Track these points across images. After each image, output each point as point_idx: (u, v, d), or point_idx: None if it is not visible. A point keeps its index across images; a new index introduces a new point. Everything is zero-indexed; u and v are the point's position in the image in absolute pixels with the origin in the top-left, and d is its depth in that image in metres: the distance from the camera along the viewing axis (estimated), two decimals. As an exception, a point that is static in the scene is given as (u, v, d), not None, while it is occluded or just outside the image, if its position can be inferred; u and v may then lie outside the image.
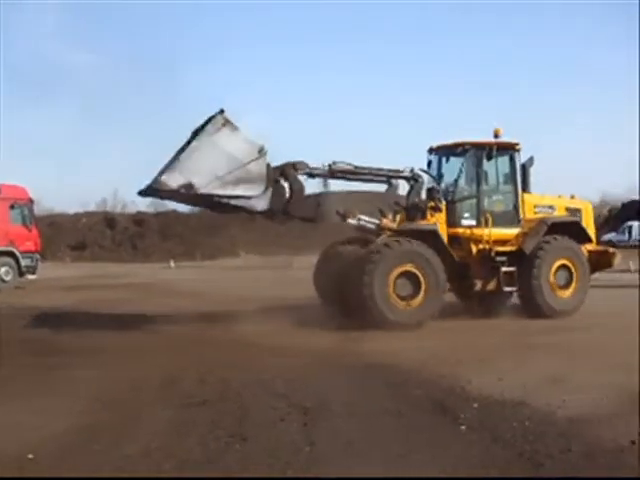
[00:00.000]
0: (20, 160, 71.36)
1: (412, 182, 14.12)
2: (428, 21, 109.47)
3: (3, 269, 24.36)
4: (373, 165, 13.99)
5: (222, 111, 11.58)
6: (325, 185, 13.71)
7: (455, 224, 14.32)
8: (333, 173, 13.46)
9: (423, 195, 14.26)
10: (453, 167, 15.23)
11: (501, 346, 11.13)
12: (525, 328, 12.83)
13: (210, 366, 9.43)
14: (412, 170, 14.16)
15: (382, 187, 14.38)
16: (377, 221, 13.52)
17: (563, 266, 14.63)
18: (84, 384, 8.47)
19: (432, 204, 14.10)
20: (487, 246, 14.20)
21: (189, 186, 11.20)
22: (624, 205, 64.74)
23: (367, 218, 13.46)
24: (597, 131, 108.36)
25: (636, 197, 68.31)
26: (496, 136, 14.71)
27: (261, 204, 12.13)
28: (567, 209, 15.78)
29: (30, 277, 25.11)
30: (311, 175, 13.25)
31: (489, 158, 14.53)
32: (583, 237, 15.39)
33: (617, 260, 16.20)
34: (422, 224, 13.88)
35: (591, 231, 16.02)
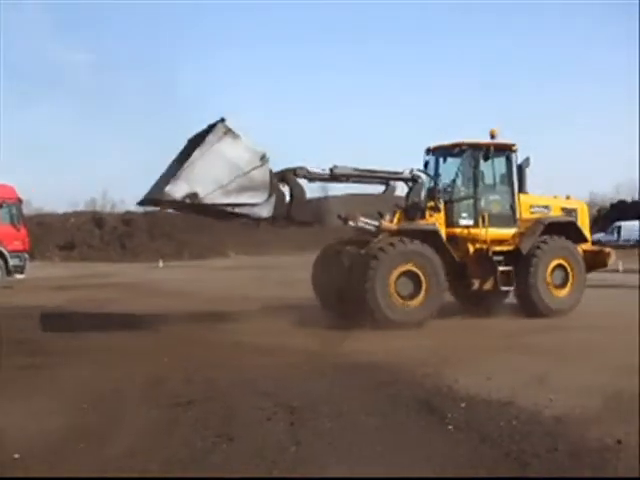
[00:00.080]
0: (9, 159, 71.39)
1: (412, 183, 14.20)
2: (428, 21, 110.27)
3: (-9, 269, 24.26)
4: (373, 167, 14.06)
5: (223, 120, 11.62)
6: (324, 188, 13.81)
7: (453, 224, 14.40)
8: (334, 177, 13.54)
9: (422, 195, 14.32)
10: (450, 167, 15.32)
11: (491, 346, 11.11)
12: (518, 328, 12.83)
13: (197, 366, 9.41)
14: (412, 171, 14.24)
15: (379, 189, 14.55)
16: (377, 223, 13.55)
17: (559, 266, 14.77)
18: (70, 384, 8.42)
19: (431, 204, 14.19)
20: (484, 246, 14.33)
21: (193, 196, 11.23)
22: (613, 205, 65.21)
23: (367, 220, 13.50)
24: (591, 132, 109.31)
25: (624, 198, 68.88)
26: (492, 137, 14.83)
27: (265, 211, 12.14)
28: (563, 209, 15.92)
29: (18, 277, 24.95)
30: (311, 179, 13.30)
31: (486, 159, 14.62)
32: (579, 237, 15.53)
33: (612, 260, 16.34)
34: (423, 224, 13.98)
35: (586, 231, 16.15)
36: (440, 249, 13.44)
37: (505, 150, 15.05)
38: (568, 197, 16.84)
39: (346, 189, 14.23)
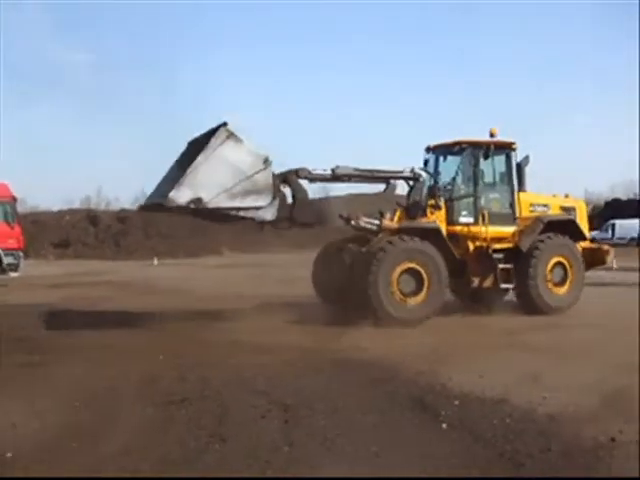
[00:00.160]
0: (4, 157, 71.31)
1: (413, 181, 14.26)
2: (428, 21, 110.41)
3: (-15, 267, 24.23)
4: (374, 167, 14.07)
5: (225, 124, 11.63)
6: (324, 188, 13.85)
7: (453, 222, 14.46)
8: (336, 177, 13.57)
9: (423, 194, 14.37)
10: (450, 166, 15.35)
11: (489, 344, 11.14)
12: (516, 325, 12.82)
13: (191, 364, 9.39)
14: (412, 170, 14.27)
15: (380, 188, 14.56)
16: (378, 222, 13.61)
17: (559, 263, 14.83)
18: (63, 382, 8.40)
19: (432, 202, 14.24)
20: (484, 244, 14.40)
21: (198, 201, 11.26)
22: (607, 204, 65.40)
23: (369, 220, 13.57)
24: (588, 131, 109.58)
25: (619, 196, 69.12)
26: (492, 136, 14.89)
27: (269, 214, 12.18)
28: (562, 208, 15.99)
29: (13, 275, 24.91)
30: (313, 180, 13.34)
31: (486, 157, 14.68)
32: (578, 235, 15.60)
33: (610, 257, 16.41)
34: (424, 222, 14.03)
35: (585, 229, 16.20)
36: (441, 247, 13.49)
37: (505, 148, 15.11)
38: (567, 195, 16.99)
39: (346, 189, 14.34)
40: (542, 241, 14.58)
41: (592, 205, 64.45)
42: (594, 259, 16.06)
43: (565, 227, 15.21)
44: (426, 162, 15.51)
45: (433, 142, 15.54)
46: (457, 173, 14.87)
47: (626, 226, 54.83)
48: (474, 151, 14.70)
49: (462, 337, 12.01)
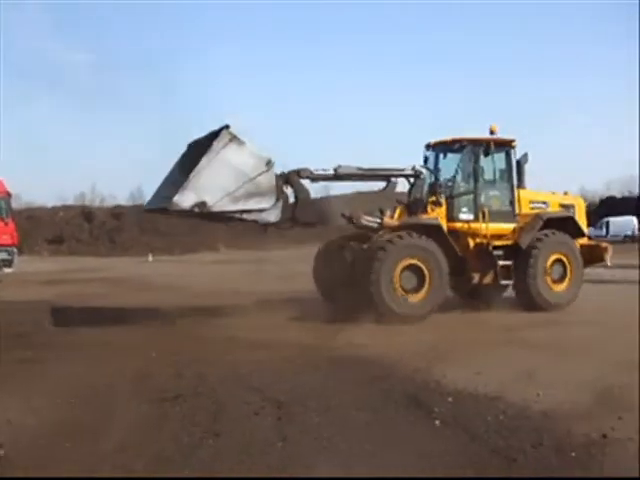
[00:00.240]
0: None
1: (414, 179, 14.31)
2: (428, 20, 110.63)
3: (-20, 263, 24.20)
4: (375, 166, 14.13)
5: (227, 126, 11.65)
6: (325, 187, 13.90)
7: (453, 219, 14.53)
8: (338, 177, 13.61)
9: (424, 190, 14.46)
10: (450, 163, 15.41)
11: (486, 340, 11.16)
12: (515, 322, 12.89)
13: (187, 361, 9.39)
14: (414, 167, 14.34)
15: (380, 185, 14.57)
16: (379, 220, 13.67)
17: (558, 260, 14.93)
18: (59, 379, 8.40)
19: (433, 199, 14.33)
20: (485, 240, 14.47)
21: (202, 205, 11.30)
22: (602, 201, 65.57)
23: (370, 218, 13.64)
24: (584, 130, 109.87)
25: (614, 193, 69.32)
26: (492, 133, 14.97)
27: (273, 216, 12.24)
28: (561, 205, 16.07)
29: (7, 271, 24.89)
30: (315, 179, 13.37)
31: (486, 154, 14.76)
32: (577, 232, 15.70)
33: (609, 255, 16.45)
34: (425, 218, 14.10)
35: (584, 226, 16.29)
36: (443, 243, 13.58)
37: (505, 146, 15.17)
38: (566, 193, 17.17)
39: (346, 188, 14.41)
40: (541, 238, 14.67)
41: (587, 202, 64.72)
42: (593, 256, 16.14)
43: (564, 224, 15.30)
44: (426, 159, 15.57)
45: (433, 139, 15.59)
46: (457, 170, 14.91)
47: (620, 224, 55.04)
48: (474, 148, 14.77)
49: (460, 334, 12.02)
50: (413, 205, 14.21)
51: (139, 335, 11.77)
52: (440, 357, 9.59)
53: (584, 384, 7.72)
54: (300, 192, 12.77)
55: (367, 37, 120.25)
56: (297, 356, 9.70)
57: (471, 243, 14.56)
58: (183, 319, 13.33)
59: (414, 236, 13.21)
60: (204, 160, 11.35)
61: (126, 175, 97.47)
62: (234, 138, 11.60)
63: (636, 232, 54.91)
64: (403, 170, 14.27)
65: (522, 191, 15.35)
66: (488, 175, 15.10)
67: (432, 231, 13.60)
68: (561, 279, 14.96)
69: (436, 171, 15.30)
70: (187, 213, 11.77)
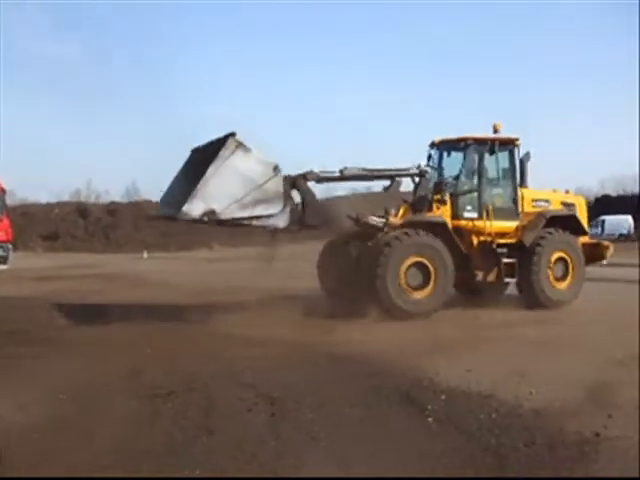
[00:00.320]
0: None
1: (419, 178, 14.38)
2: (428, 19, 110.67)
3: (-26, 259, 24.18)
4: (380, 167, 14.20)
5: (233, 134, 11.64)
6: (327, 188, 13.97)
7: (458, 216, 14.62)
8: (344, 178, 13.68)
9: (429, 189, 14.50)
10: (454, 161, 15.52)
11: (481, 337, 11.21)
12: (512, 320, 12.98)
13: (180, 357, 9.40)
14: (419, 166, 14.40)
15: (384, 184, 14.65)
16: (384, 220, 13.75)
17: (560, 258, 15.04)
18: (49, 375, 8.38)
19: (438, 197, 14.43)
20: (489, 238, 14.59)
21: (211, 213, 11.33)
22: (597, 200, 65.65)
23: (376, 218, 13.73)
24: (580, 128, 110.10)
25: (609, 192, 69.45)
26: (495, 131, 15.10)
27: (281, 221, 12.25)
28: (562, 203, 16.17)
29: (1, 267, 24.84)
30: (321, 181, 13.39)
31: (491, 153, 14.92)
32: (579, 230, 15.83)
33: (610, 253, 16.59)
34: (431, 216, 14.22)
35: (585, 225, 16.40)
36: (448, 241, 13.70)
37: (508, 144, 15.27)
38: (567, 191, 17.20)
39: (347, 188, 14.50)
40: (545, 236, 14.80)
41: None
42: (594, 254, 16.30)
43: (566, 222, 15.45)
44: (429, 157, 15.69)
45: (437, 138, 15.68)
46: (462, 168, 14.99)
47: (615, 222, 55.16)
48: (479, 147, 14.87)
49: (456, 331, 12.00)
50: (418, 203, 14.30)
51: (134, 332, 11.74)
52: (433, 354, 9.60)
53: (575, 382, 7.75)
54: (307, 195, 12.80)
55: (367, 37, 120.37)
56: (288, 353, 9.70)
57: (475, 241, 14.69)
58: (178, 316, 13.33)
59: (420, 234, 13.33)
60: (211, 168, 11.35)
61: (119, 169, 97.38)
62: (240, 145, 11.60)
63: (631, 231, 55.07)
64: (408, 169, 14.34)
65: (524, 189, 15.47)
66: (492, 173, 15.21)
67: (437, 229, 13.73)
68: (563, 277, 15.10)
69: (439, 169, 15.42)
70: (197, 221, 11.82)
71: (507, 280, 14.87)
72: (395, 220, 13.89)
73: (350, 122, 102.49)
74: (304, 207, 12.73)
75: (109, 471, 5.13)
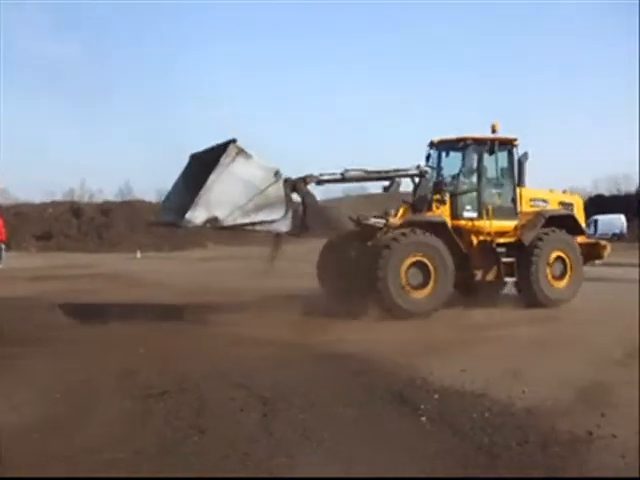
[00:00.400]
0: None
1: (419, 178, 14.44)
2: (427, 19, 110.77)
3: (-33, 259, 24.16)
4: (380, 168, 14.27)
5: (234, 140, 11.64)
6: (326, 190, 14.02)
7: (457, 216, 14.72)
8: (345, 180, 13.74)
9: (429, 188, 14.59)
10: (453, 161, 15.60)
11: (475, 337, 11.25)
12: (508, 319, 13.09)
13: (173, 357, 9.40)
14: (419, 167, 14.48)
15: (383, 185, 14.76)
16: (384, 221, 13.84)
17: (559, 258, 15.18)
18: (42, 375, 8.37)
19: (438, 197, 14.54)
20: (488, 238, 14.69)
21: (214, 220, 11.37)
22: (590, 200, 65.81)
23: (376, 220, 13.82)
24: (574, 127, 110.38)
25: (602, 192, 69.65)
26: (493, 131, 15.15)
27: (284, 226, 12.27)
28: (560, 203, 16.30)
29: (-6, 267, 24.84)
30: (321, 183, 13.41)
31: (491, 153, 15.03)
32: (577, 230, 16.01)
33: (607, 253, 16.73)
34: (431, 216, 14.32)
35: (582, 224, 16.56)
36: (448, 240, 13.79)
37: (507, 144, 15.37)
38: (564, 191, 17.37)
39: (345, 189, 14.58)
40: (543, 236, 14.93)
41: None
42: (591, 254, 16.46)
43: (565, 222, 15.59)
44: (428, 157, 15.77)
45: (436, 138, 15.75)
46: (461, 168, 15.06)
47: (608, 222, 55.28)
48: (478, 147, 14.97)
49: (450, 331, 12.01)
50: (418, 203, 14.37)
51: (127, 332, 11.72)
52: (427, 354, 9.63)
53: (568, 381, 7.79)
54: (308, 199, 12.81)
55: (367, 37, 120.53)
56: (284, 352, 9.71)
57: (474, 240, 14.79)
58: (172, 316, 13.32)
59: (418, 233, 13.41)
60: (213, 176, 11.36)
61: (113, 169, 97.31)
62: (241, 152, 11.61)
63: (624, 230, 55.21)
64: (408, 170, 14.39)
65: (523, 189, 15.57)
66: (491, 173, 15.30)
67: (437, 228, 13.83)
68: (562, 276, 15.23)
69: (439, 169, 15.50)
70: (200, 229, 11.84)
71: (508, 280, 14.98)
72: (395, 220, 13.95)
73: (350, 122, 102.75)
74: (305, 211, 12.75)
75: (102, 471, 5.13)
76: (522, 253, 14.71)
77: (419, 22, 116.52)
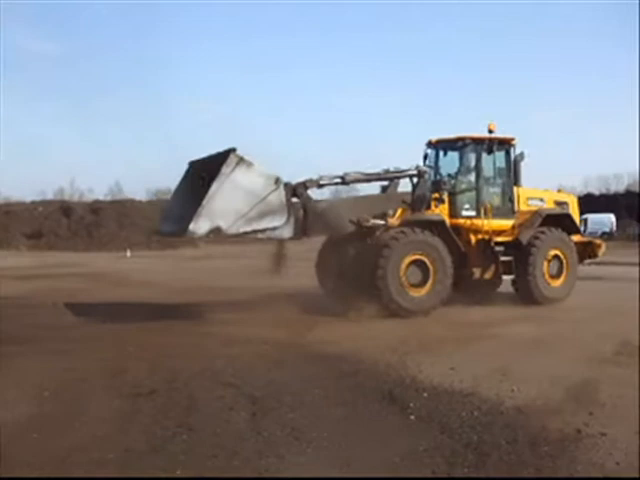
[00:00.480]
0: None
1: (418, 178, 14.46)
2: (427, 19, 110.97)
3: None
4: (379, 169, 14.35)
5: (234, 149, 11.63)
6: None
7: (456, 215, 14.81)
8: (345, 183, 13.75)
9: (428, 188, 14.64)
10: (450, 161, 15.72)
11: (467, 336, 11.23)
12: (492, 318, 13.09)
13: (161, 356, 9.37)
14: (417, 167, 14.55)
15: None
16: (384, 222, 13.86)
17: (555, 256, 15.34)
18: (31, 373, 8.33)
19: (436, 195, 14.60)
20: (487, 236, 14.82)
21: (217, 230, 11.38)
22: (580, 198, 66.03)
23: (376, 221, 13.80)
24: (575, 127, 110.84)
25: (592, 191, 69.95)
26: (490, 131, 15.25)
27: (287, 232, 12.27)
28: (555, 202, 16.42)
29: (-17, 266, 24.75)
30: (322, 187, 13.43)
31: (489, 152, 15.14)
32: (572, 229, 16.12)
33: (602, 251, 16.88)
34: (429, 215, 14.37)
35: (577, 223, 16.69)
36: (446, 239, 13.91)
37: (504, 144, 15.50)
38: (560, 190, 17.57)
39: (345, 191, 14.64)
40: (540, 235, 15.08)
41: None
42: (586, 252, 16.64)
43: (561, 221, 15.72)
44: (426, 156, 15.89)
45: (434, 137, 15.83)
46: (460, 168, 15.19)
47: (598, 221, 55.47)
48: (476, 147, 15.11)
49: (441, 330, 11.99)
50: (417, 203, 14.38)
51: (117, 330, 11.70)
52: (417, 353, 9.60)
53: (558, 379, 7.81)
54: (308, 203, 12.82)
55: (367, 37, 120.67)
56: (273, 352, 9.69)
57: (473, 239, 14.91)
58: (161, 314, 13.31)
59: (417, 232, 13.50)
60: (215, 185, 11.35)
61: (103, 168, 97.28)
62: (242, 160, 11.61)
63: (614, 229, 55.45)
64: (407, 171, 14.44)
65: (519, 188, 15.69)
66: (488, 172, 15.40)
67: (436, 227, 13.96)
68: (558, 274, 15.38)
69: (437, 168, 15.62)
70: (203, 239, 11.85)
71: (506, 278, 15.09)
72: (393, 220, 13.99)
73: (350, 122, 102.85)
74: (305, 215, 12.77)
75: (91, 470, 5.11)
76: (520, 252, 14.84)
77: (419, 23, 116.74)
